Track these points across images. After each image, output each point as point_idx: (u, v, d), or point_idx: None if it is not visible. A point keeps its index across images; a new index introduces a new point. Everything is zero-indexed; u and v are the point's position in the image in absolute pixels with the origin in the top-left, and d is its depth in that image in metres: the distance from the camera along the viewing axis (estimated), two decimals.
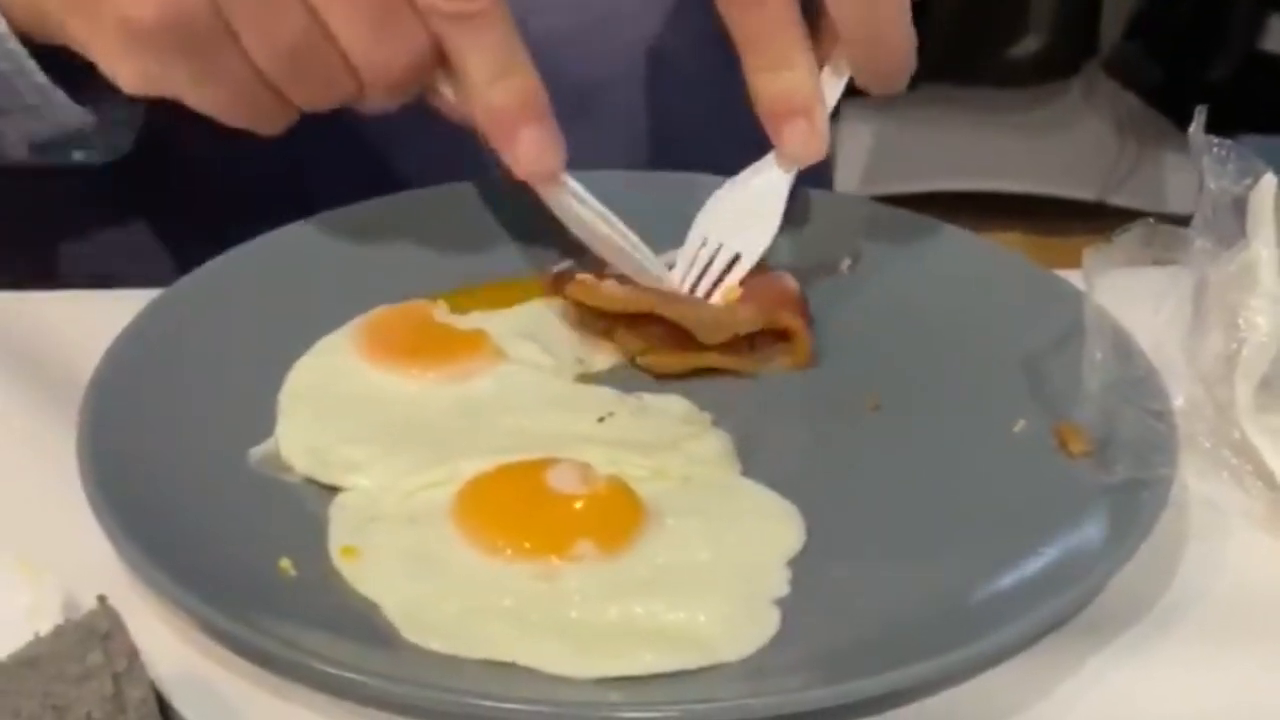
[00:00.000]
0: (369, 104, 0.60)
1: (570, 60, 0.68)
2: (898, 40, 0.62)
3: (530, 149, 0.59)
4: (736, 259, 0.65)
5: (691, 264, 0.65)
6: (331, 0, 0.57)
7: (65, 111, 0.65)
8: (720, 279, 0.65)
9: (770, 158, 0.65)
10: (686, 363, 0.62)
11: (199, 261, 0.64)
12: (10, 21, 0.62)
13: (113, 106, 0.65)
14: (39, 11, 0.61)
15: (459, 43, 0.58)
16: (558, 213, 0.62)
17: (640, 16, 0.75)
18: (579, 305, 0.63)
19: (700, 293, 0.64)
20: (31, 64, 0.63)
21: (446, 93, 0.60)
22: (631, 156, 0.71)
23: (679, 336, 0.62)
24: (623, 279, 0.63)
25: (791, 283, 0.65)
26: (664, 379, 0.62)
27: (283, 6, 0.57)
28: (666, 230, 0.65)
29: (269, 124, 0.60)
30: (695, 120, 0.78)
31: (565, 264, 0.65)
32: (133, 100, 0.62)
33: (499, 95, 0.59)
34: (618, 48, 0.71)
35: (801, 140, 0.63)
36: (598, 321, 0.63)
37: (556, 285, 0.64)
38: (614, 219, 0.62)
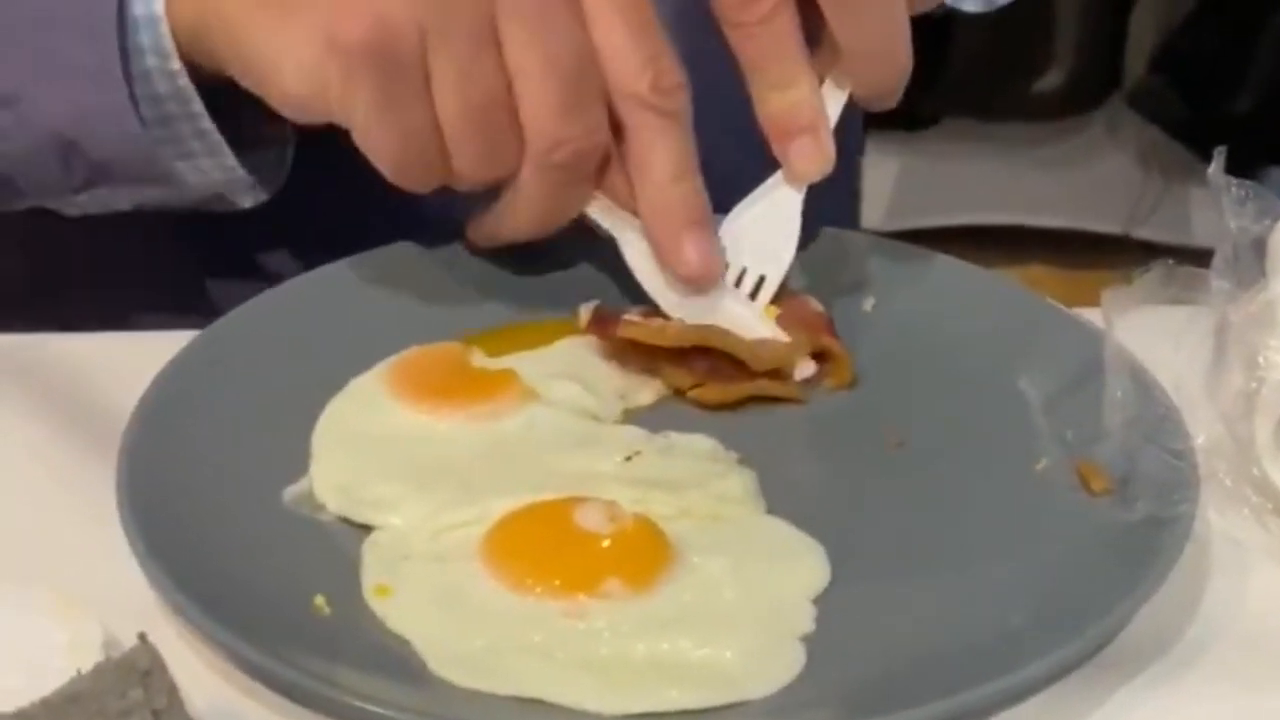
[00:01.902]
0: (520, 201, 0.61)
1: None
2: (897, 54, 0.62)
3: (695, 254, 0.62)
4: (761, 281, 0.65)
5: None
6: (532, 67, 0.58)
7: (216, 171, 0.65)
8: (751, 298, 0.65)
9: (778, 176, 0.65)
10: (738, 392, 0.63)
11: (235, 303, 0.65)
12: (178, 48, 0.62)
13: (258, 156, 0.66)
14: (211, 20, 0.61)
15: (651, 136, 0.61)
16: (696, 319, 0.64)
17: None
18: (628, 343, 0.63)
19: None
20: (200, 106, 0.63)
21: (596, 211, 0.63)
22: None
23: (725, 367, 0.63)
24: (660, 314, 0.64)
25: (818, 305, 0.66)
26: (712, 410, 0.62)
27: (484, 61, 0.58)
28: None
29: (419, 181, 0.61)
30: (702, 129, 0.78)
31: (593, 304, 0.66)
32: (281, 147, 0.62)
33: (676, 194, 0.61)
34: None
35: (808, 157, 0.64)
36: (643, 359, 0.63)
37: (598, 324, 0.64)
38: (746, 301, 0.64)
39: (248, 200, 0.67)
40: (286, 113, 0.61)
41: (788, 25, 0.62)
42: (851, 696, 0.51)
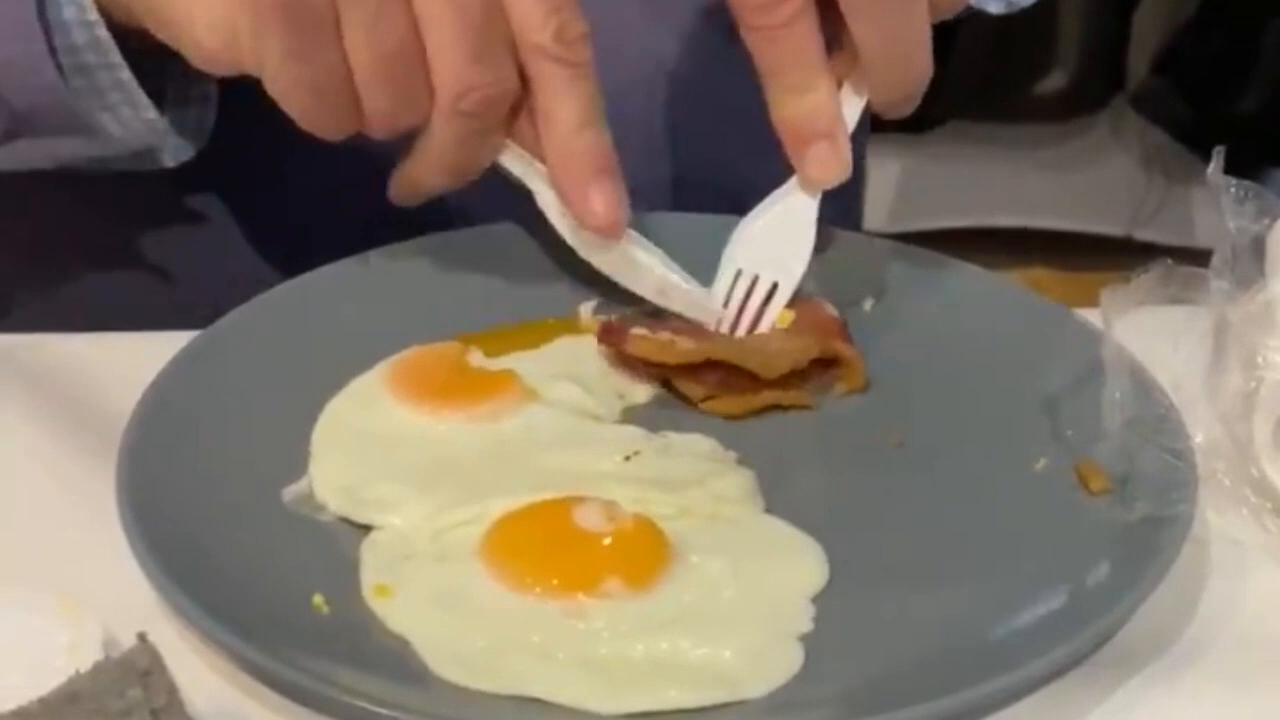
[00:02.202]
0: (432, 146, 0.61)
1: None
2: (918, 62, 0.62)
3: (603, 201, 0.62)
4: (775, 288, 0.65)
5: (729, 298, 0.65)
6: (440, 16, 0.58)
7: (136, 122, 0.65)
8: (761, 310, 0.65)
9: (793, 182, 0.65)
10: (751, 404, 0.63)
11: (235, 304, 0.65)
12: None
13: (182, 114, 0.66)
14: None
15: (556, 86, 0.60)
16: (609, 265, 0.64)
17: (645, 29, 0.76)
18: (641, 359, 0.63)
19: (745, 325, 0.65)
20: (119, 57, 0.64)
21: (508, 159, 0.62)
22: (642, 166, 0.71)
23: (738, 378, 0.63)
24: (675, 327, 0.64)
25: (831, 309, 0.66)
26: (733, 419, 0.62)
27: (394, 10, 0.58)
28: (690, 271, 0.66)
29: (333, 128, 0.61)
30: (704, 130, 0.78)
31: (592, 303, 0.66)
32: (203, 106, 0.62)
33: (581, 143, 0.61)
34: (625, 59, 0.72)
35: (825, 163, 0.63)
36: (653, 371, 0.63)
37: (609, 336, 0.64)
38: (668, 260, 0.64)
39: (170, 159, 0.68)
40: (200, 65, 0.62)
41: (808, 30, 0.61)
42: (850, 695, 0.51)
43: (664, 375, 0.63)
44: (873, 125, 0.92)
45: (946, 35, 0.64)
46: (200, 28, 0.60)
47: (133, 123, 0.66)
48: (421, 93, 0.60)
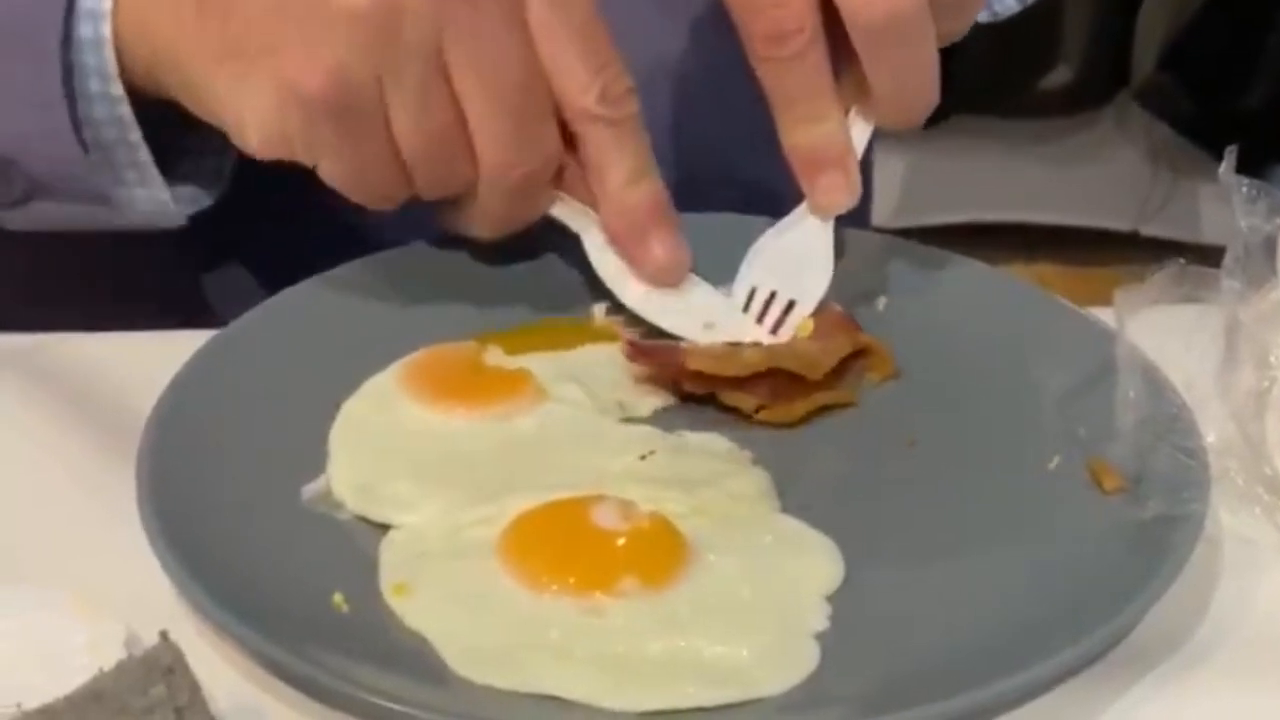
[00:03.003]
0: (478, 214, 0.62)
1: None
2: (927, 91, 0.63)
3: (662, 251, 0.63)
4: (791, 305, 0.65)
5: (746, 313, 0.65)
6: (477, 95, 0.59)
7: (150, 202, 0.66)
8: (780, 321, 0.65)
9: (802, 210, 0.66)
10: (805, 408, 0.63)
11: (251, 304, 0.65)
12: (122, 74, 0.63)
13: (199, 163, 0.66)
14: (167, 65, 0.62)
15: (605, 146, 0.61)
16: (655, 310, 0.64)
17: (652, 29, 0.77)
18: (692, 374, 0.63)
19: (764, 333, 0.65)
20: (138, 136, 0.64)
21: (562, 211, 0.63)
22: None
23: (785, 385, 0.63)
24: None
25: (838, 306, 0.66)
26: (722, 411, 0.62)
27: (436, 93, 0.58)
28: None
29: (385, 202, 0.62)
30: (715, 136, 0.79)
31: (604, 304, 0.67)
32: (222, 154, 0.63)
33: (634, 197, 0.62)
34: (633, 59, 0.72)
35: (836, 191, 0.64)
36: (702, 386, 0.63)
37: (643, 356, 0.64)
38: (714, 291, 0.65)
39: (188, 210, 0.68)
40: (251, 153, 0.62)
41: (818, 61, 0.62)
42: (865, 694, 0.51)
43: (710, 388, 0.63)
44: None
45: None
46: (251, 130, 0.61)
47: (146, 203, 0.66)
48: (468, 165, 0.61)
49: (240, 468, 0.58)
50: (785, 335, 0.65)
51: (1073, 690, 0.52)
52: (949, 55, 0.64)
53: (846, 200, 0.64)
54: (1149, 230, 2.11)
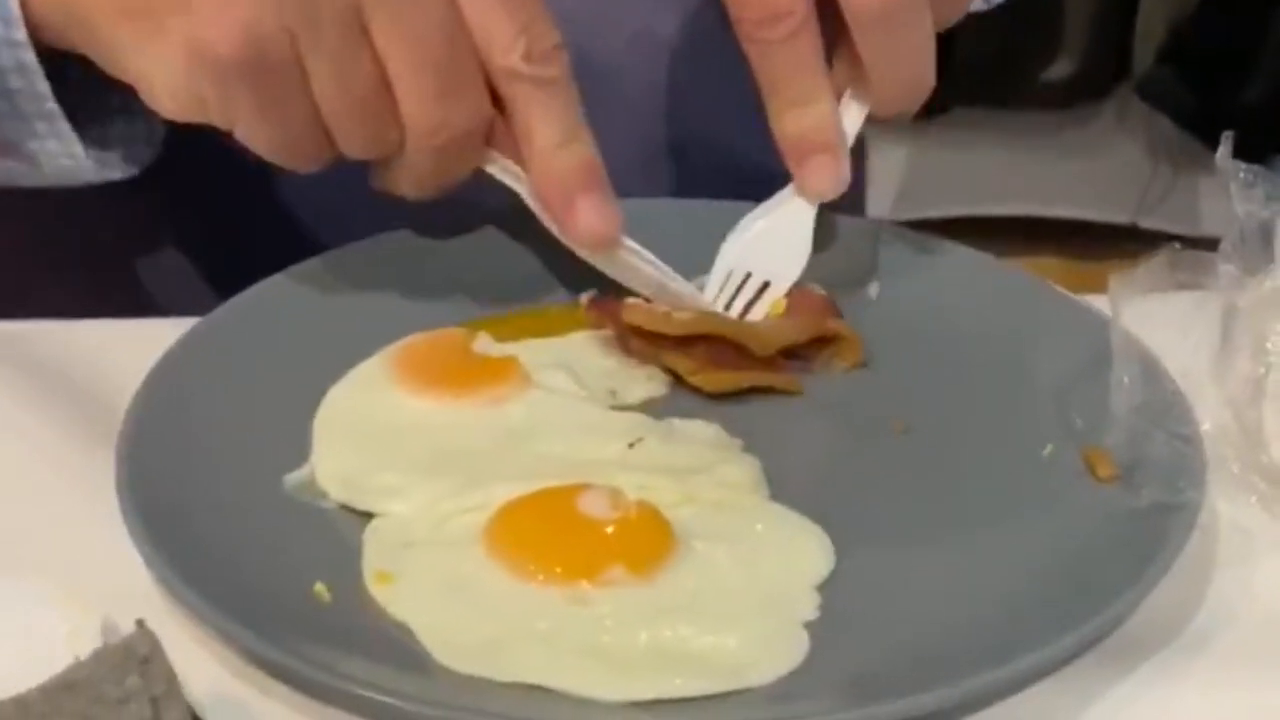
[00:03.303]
0: (405, 173, 0.60)
1: (574, 45, 0.68)
2: (922, 76, 0.62)
3: (590, 217, 0.61)
4: (766, 286, 0.65)
5: (721, 291, 0.65)
6: (401, 55, 0.57)
7: (64, 158, 0.63)
8: (752, 303, 0.65)
9: (788, 192, 0.65)
10: (737, 381, 0.62)
11: (235, 290, 0.65)
12: (32, 28, 0.60)
13: (131, 124, 0.64)
14: (77, 18, 0.59)
15: (530, 107, 0.59)
16: (603, 263, 0.63)
17: (644, 6, 0.76)
18: (632, 330, 0.63)
19: (736, 312, 0.65)
20: (45, 86, 0.61)
21: (496, 168, 0.61)
22: (640, 144, 0.71)
23: (726, 354, 0.63)
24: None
25: (820, 291, 0.66)
26: (714, 398, 0.62)
27: (357, 54, 0.57)
28: (690, 259, 0.66)
29: (308, 164, 0.61)
30: (699, 104, 0.78)
31: (591, 292, 0.66)
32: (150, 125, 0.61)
33: (562, 161, 0.60)
34: (623, 36, 0.72)
35: (824, 176, 0.63)
36: (645, 345, 0.63)
37: (600, 312, 0.64)
38: (656, 261, 0.63)
39: (117, 174, 0.66)
40: (165, 115, 0.60)
41: (810, 44, 0.61)
42: (855, 683, 0.50)
43: (655, 350, 0.63)
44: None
45: None
46: (161, 93, 0.59)
47: (61, 157, 0.64)
48: (393, 128, 0.59)
49: (222, 456, 0.57)
50: (756, 316, 0.65)
51: (1067, 679, 0.51)
52: (949, 48, 0.64)
53: (834, 186, 0.64)
54: (1149, 223, 2.11)
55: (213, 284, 0.66)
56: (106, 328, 0.67)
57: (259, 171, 0.63)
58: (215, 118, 0.59)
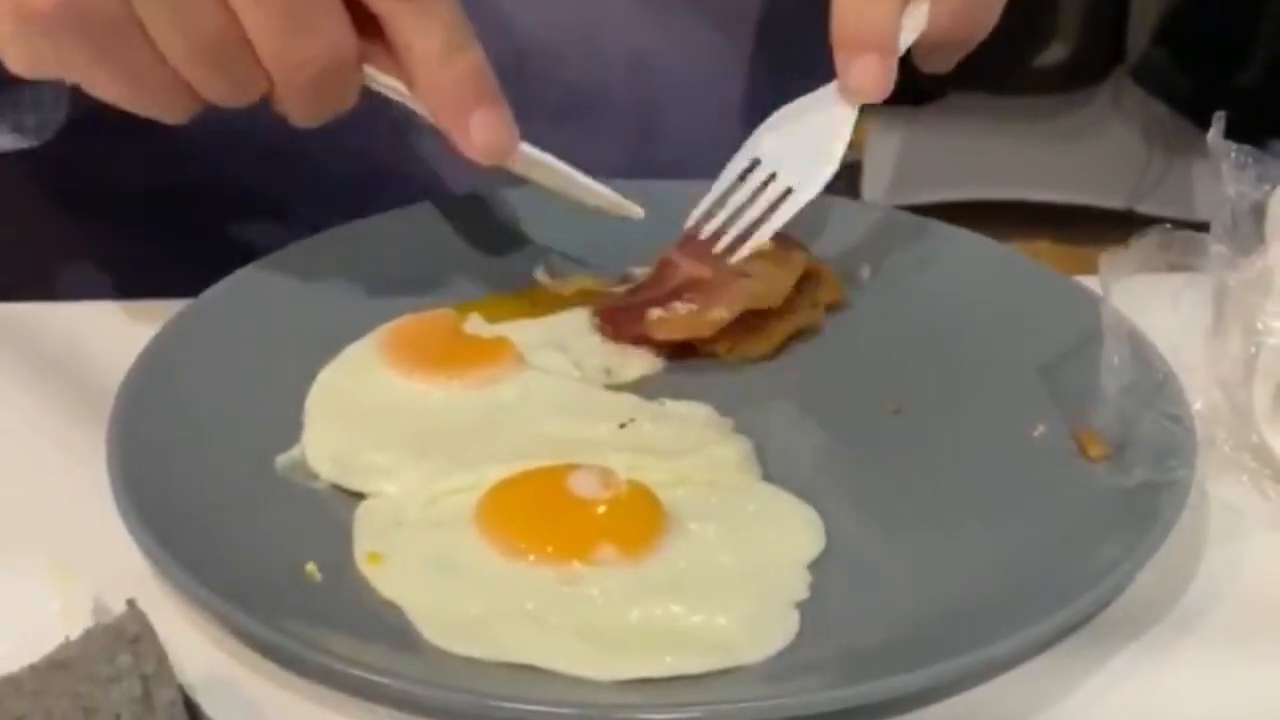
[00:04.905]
0: (286, 105, 0.58)
1: (564, 65, 0.68)
2: (992, 11, 0.62)
3: (486, 131, 0.58)
4: (787, 194, 0.63)
5: (737, 185, 0.64)
6: None
7: None
8: (762, 218, 0.63)
9: (831, 92, 0.63)
10: (771, 341, 0.63)
11: (227, 271, 0.65)
12: None
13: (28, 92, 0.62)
14: None
15: (409, 22, 0.56)
16: (520, 171, 0.62)
17: (630, 22, 0.75)
18: (663, 341, 0.63)
19: (730, 235, 0.64)
20: None
21: (378, 85, 0.59)
22: (626, 160, 0.70)
23: (749, 320, 0.63)
24: (676, 294, 0.64)
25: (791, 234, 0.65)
26: (707, 379, 0.62)
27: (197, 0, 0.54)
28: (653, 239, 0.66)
29: (174, 113, 0.58)
30: (688, 124, 0.78)
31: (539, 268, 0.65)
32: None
33: (450, 74, 0.57)
34: (611, 53, 0.70)
35: (871, 75, 0.62)
36: (674, 344, 0.63)
37: (614, 323, 0.64)
38: (570, 169, 0.62)
39: (28, 140, 0.64)
40: (17, 74, 0.58)
41: None
42: (845, 662, 0.50)
43: (685, 346, 0.63)
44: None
45: None
46: (7, 59, 0.57)
47: None
48: (255, 70, 0.56)
49: (213, 436, 0.58)
50: (763, 236, 0.63)
51: (1056, 657, 0.51)
52: None
53: (879, 89, 0.62)
54: (1144, 208, 2.10)
55: (204, 266, 0.65)
56: (98, 309, 0.67)
57: (245, 148, 0.63)
58: (57, 73, 0.57)
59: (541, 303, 0.65)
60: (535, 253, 0.67)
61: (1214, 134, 0.61)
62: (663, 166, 0.74)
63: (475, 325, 0.64)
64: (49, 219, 0.75)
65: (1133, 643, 0.52)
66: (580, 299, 0.66)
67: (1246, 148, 0.61)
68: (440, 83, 0.57)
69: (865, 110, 0.65)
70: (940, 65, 0.64)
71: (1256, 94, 2.02)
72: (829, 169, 0.63)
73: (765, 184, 0.63)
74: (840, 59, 0.62)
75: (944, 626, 0.51)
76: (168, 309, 0.62)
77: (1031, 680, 0.51)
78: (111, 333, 0.63)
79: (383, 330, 0.63)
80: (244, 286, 0.64)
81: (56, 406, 0.61)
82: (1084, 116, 2.18)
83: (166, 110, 0.58)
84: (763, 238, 0.63)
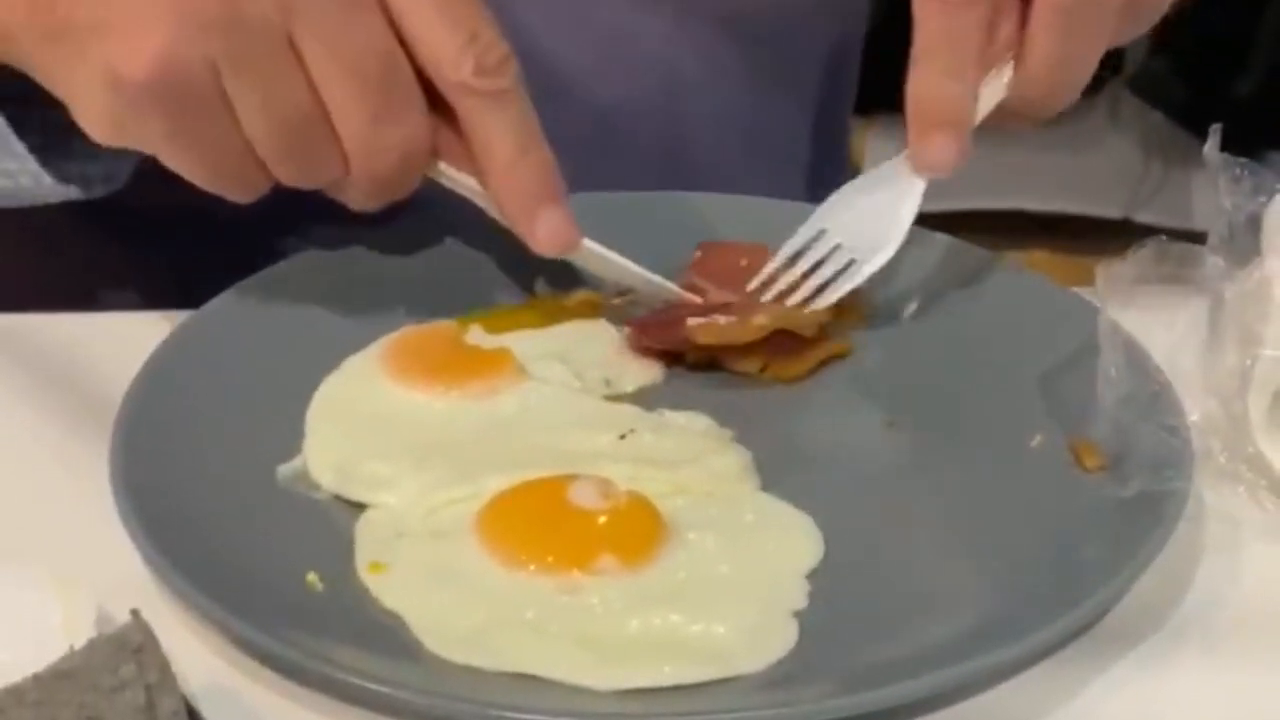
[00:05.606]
0: (351, 192, 0.59)
1: (588, 88, 0.68)
2: (1077, 79, 0.61)
3: (552, 226, 0.60)
4: (850, 265, 0.64)
5: (799, 255, 0.64)
6: (335, 79, 0.55)
7: (20, 169, 0.62)
8: (821, 288, 0.64)
9: (901, 163, 0.64)
10: (807, 364, 0.63)
11: (230, 283, 0.65)
12: None
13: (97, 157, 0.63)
14: (5, 40, 0.57)
15: (485, 120, 0.58)
16: (578, 263, 0.64)
17: (654, 45, 0.75)
18: (695, 346, 0.63)
19: (799, 294, 0.64)
20: (7, 133, 0.60)
21: (446, 179, 0.61)
22: (650, 182, 0.71)
23: (785, 342, 0.63)
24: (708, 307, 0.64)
25: None
26: (706, 389, 0.62)
27: (287, 80, 0.55)
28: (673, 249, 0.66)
29: (243, 193, 0.59)
30: (713, 145, 0.78)
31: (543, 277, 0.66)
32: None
33: (521, 174, 0.59)
34: (634, 76, 0.70)
35: (943, 151, 0.62)
36: (703, 354, 0.63)
37: (646, 335, 0.64)
38: (611, 253, 0.63)
39: (100, 190, 0.64)
40: (94, 139, 0.58)
41: (980, 18, 0.59)
42: (844, 672, 0.51)
43: (713, 354, 0.63)
44: (869, 108, 0.91)
45: None
46: (85, 116, 0.57)
47: (20, 177, 0.62)
48: (332, 154, 0.57)
49: (215, 447, 0.58)
50: (829, 299, 0.63)
51: (1054, 667, 0.52)
52: None
53: (949, 165, 0.62)
54: (1141, 217, 2.10)
55: (207, 278, 0.66)
56: (101, 320, 0.67)
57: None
58: (135, 142, 0.57)
59: (542, 315, 0.66)
60: (537, 266, 0.67)
61: (1210, 147, 0.61)
62: (688, 187, 0.74)
63: (475, 336, 0.64)
64: (52, 231, 0.75)
65: (1130, 652, 0.53)
66: (581, 311, 0.66)
67: (1243, 160, 0.61)
68: (513, 182, 0.59)
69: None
70: (1024, 128, 0.64)
71: (1254, 104, 2.02)
72: (894, 244, 0.64)
73: (826, 258, 0.64)
74: (913, 133, 0.62)
75: (942, 636, 0.51)
76: (171, 320, 0.63)
77: (1029, 689, 0.51)
78: (114, 344, 0.63)
79: (384, 341, 0.63)
80: (247, 298, 0.64)
81: (59, 417, 0.62)
82: (1081, 126, 2.18)
83: (237, 188, 0.58)
84: (822, 305, 0.64)
